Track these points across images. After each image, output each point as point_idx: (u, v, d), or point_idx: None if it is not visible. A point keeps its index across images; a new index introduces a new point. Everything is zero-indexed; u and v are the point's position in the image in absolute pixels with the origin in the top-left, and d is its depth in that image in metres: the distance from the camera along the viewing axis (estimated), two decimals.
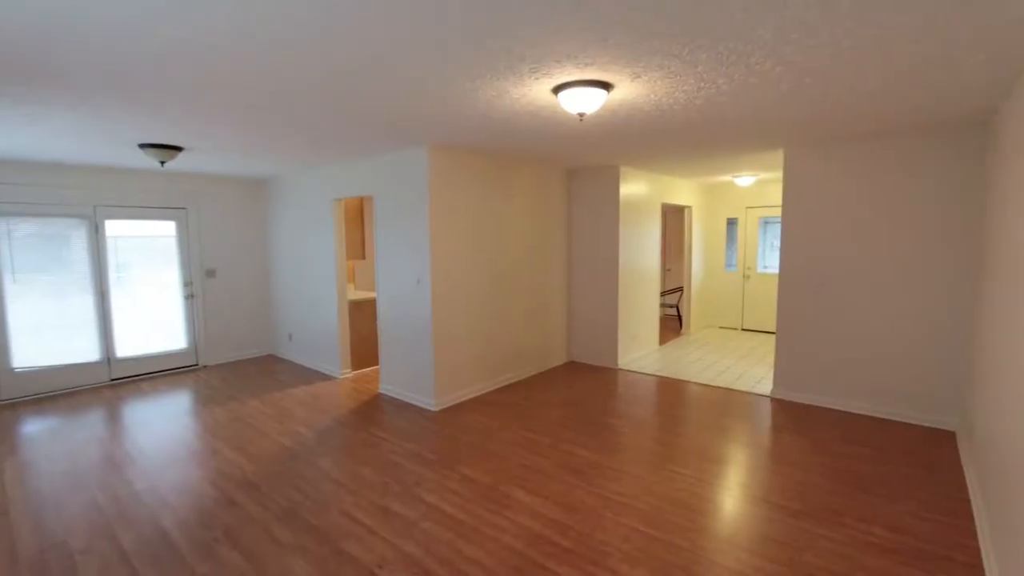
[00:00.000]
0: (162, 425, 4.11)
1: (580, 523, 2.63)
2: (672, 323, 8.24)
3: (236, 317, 6.17)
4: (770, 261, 7.63)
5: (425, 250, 4.26)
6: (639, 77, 2.45)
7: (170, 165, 4.96)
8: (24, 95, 2.55)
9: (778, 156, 4.81)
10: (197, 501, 2.92)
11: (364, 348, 5.63)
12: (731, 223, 7.83)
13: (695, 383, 5.05)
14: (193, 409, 4.48)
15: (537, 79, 2.45)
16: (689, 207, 7.25)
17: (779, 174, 6.14)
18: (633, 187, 5.71)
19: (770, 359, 5.92)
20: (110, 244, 5.18)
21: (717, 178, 6.68)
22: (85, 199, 4.97)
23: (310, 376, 5.49)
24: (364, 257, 5.84)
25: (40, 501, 2.95)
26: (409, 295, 4.47)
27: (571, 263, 5.92)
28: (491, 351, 4.90)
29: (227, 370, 5.78)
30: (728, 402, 4.48)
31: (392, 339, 4.70)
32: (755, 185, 7.36)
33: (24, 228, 4.70)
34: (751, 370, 5.48)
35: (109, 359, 5.22)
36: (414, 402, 4.53)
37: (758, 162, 5.21)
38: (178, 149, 3.96)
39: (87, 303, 5.05)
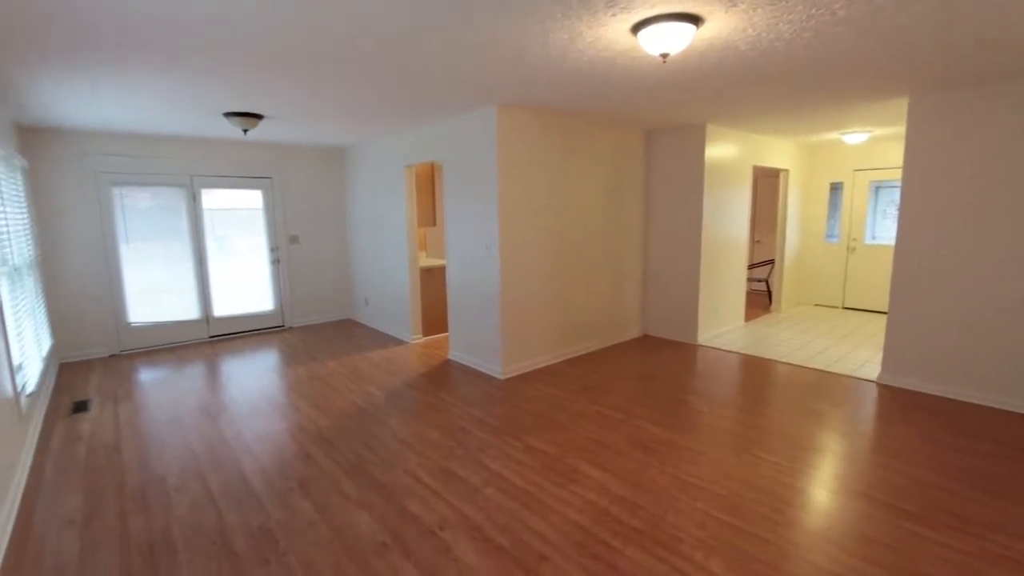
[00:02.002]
0: (251, 380, 4.40)
1: (650, 503, 2.46)
2: (760, 299, 7.60)
3: (317, 282, 6.48)
4: (881, 231, 6.75)
5: (494, 216, 4.14)
6: (735, 6, 2.11)
7: (255, 136, 5.19)
8: (114, 61, 2.69)
9: (900, 106, 4.13)
10: (276, 451, 3.08)
11: (435, 314, 5.69)
12: (835, 188, 6.99)
13: (785, 363, 4.59)
14: (278, 366, 4.77)
15: (614, 15, 2.19)
16: (785, 170, 6.54)
17: (899, 128, 5.33)
18: (720, 148, 5.20)
19: (876, 341, 5.27)
20: (206, 212, 5.57)
21: (820, 136, 5.93)
22: (183, 169, 5.35)
23: (384, 340, 5.66)
24: (435, 224, 5.86)
25: (146, 441, 3.25)
26: (478, 262, 4.40)
27: (648, 232, 5.56)
28: (560, 321, 4.75)
29: (309, 332, 6.11)
30: (824, 385, 4.02)
31: (461, 306, 4.69)
32: (867, 143, 6.48)
33: (134, 196, 5.16)
34: (853, 352, 4.90)
35: (207, 318, 5.68)
36: (481, 369, 4.50)
37: (874, 114, 4.52)
38: (259, 117, 4.09)
39: (188, 265, 5.50)
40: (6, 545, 2.25)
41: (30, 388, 3.17)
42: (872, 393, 3.85)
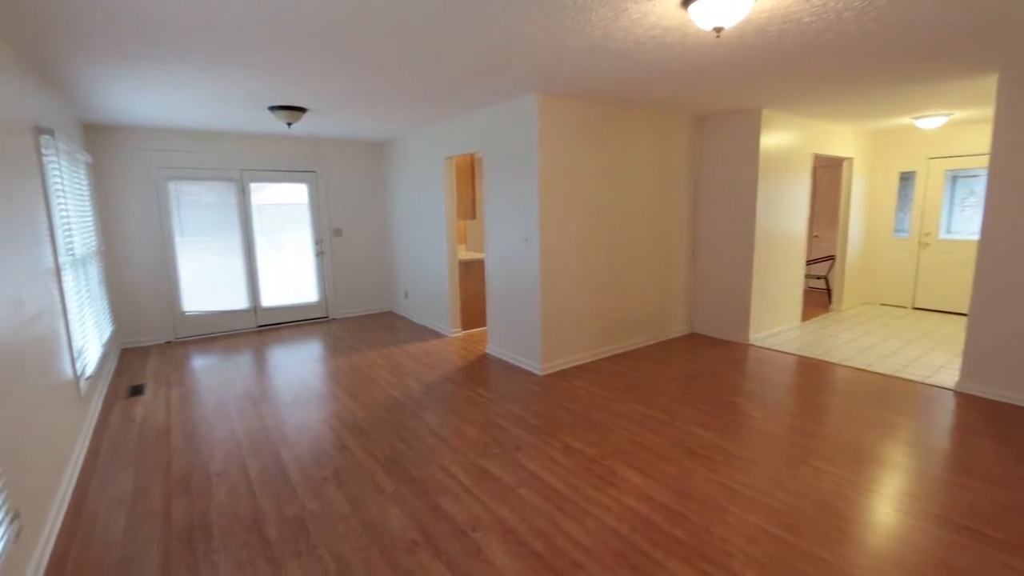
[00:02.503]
0: (294, 369, 4.49)
1: (696, 513, 2.29)
2: (819, 297, 7.13)
3: (359, 274, 6.58)
4: (958, 225, 6.16)
5: (534, 208, 4.03)
6: None
7: (300, 131, 5.29)
8: (161, 56, 2.75)
9: (987, 84, 3.71)
10: (314, 441, 3.10)
11: (474, 308, 5.65)
12: (905, 178, 6.44)
13: (846, 366, 4.25)
14: (320, 356, 4.85)
15: None
16: (849, 159, 6.07)
17: (984, 110, 4.82)
18: (777, 135, 4.86)
19: (952, 344, 4.80)
20: (254, 205, 5.74)
21: (890, 121, 5.46)
22: (233, 163, 5.52)
23: (423, 333, 5.67)
24: (475, 217, 5.80)
25: (194, 425, 3.35)
26: (517, 255, 4.30)
27: (697, 224, 5.29)
28: (603, 317, 4.58)
29: (351, 323, 6.20)
30: (892, 392, 3.68)
31: (499, 300, 4.60)
32: (944, 128, 5.92)
33: (188, 190, 5.37)
34: (925, 356, 4.48)
35: (256, 308, 5.87)
36: (520, 365, 4.41)
37: (955, 94, 4.09)
38: (302, 110, 4.14)
39: (238, 257, 5.69)
40: (62, 520, 2.35)
41: (89, 372, 3.33)
42: (948, 402, 3.49)
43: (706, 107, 4.55)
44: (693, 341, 5.13)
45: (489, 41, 2.61)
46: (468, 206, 5.69)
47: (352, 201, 6.40)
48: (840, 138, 5.76)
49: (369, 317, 6.54)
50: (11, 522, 1.77)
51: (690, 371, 4.21)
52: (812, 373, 4.12)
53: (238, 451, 2.99)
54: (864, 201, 6.46)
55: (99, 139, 4.87)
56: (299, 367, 4.54)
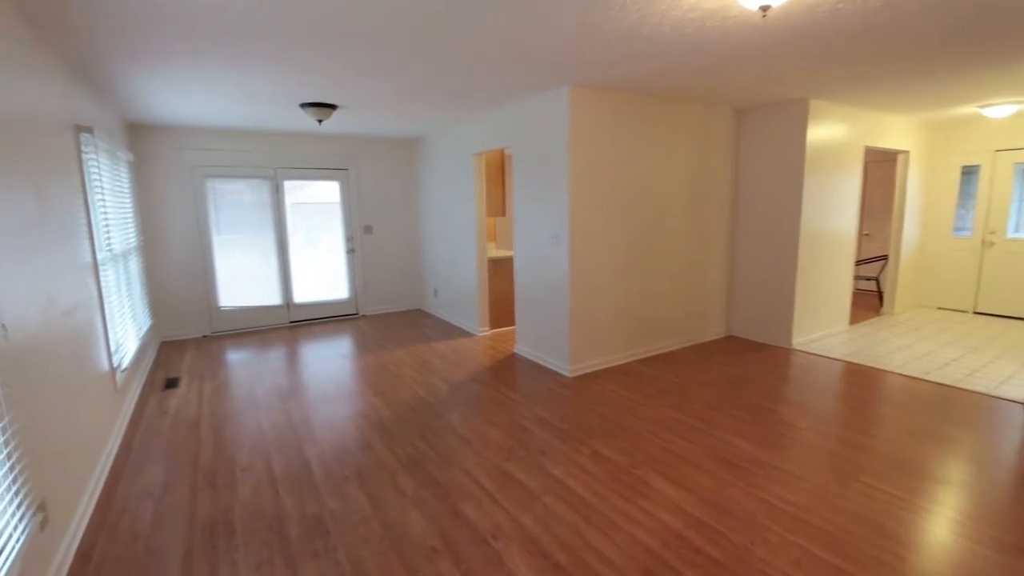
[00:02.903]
0: (322, 365, 4.51)
1: (734, 531, 2.13)
2: (869, 300, 6.72)
3: (390, 271, 6.60)
4: None
5: (564, 204, 3.90)
6: None
7: (332, 129, 5.32)
8: (189, 53, 2.77)
9: None
10: (338, 439, 3.08)
11: (502, 307, 5.56)
12: (968, 173, 5.97)
13: (899, 374, 3.95)
14: (348, 353, 4.87)
15: None
16: (904, 152, 5.68)
17: None
18: (826, 127, 4.57)
19: (1021, 353, 4.41)
20: (288, 203, 5.82)
21: (953, 110, 5.06)
22: (267, 161, 5.62)
23: (451, 331, 5.62)
24: (505, 214, 5.71)
25: (223, 419, 3.39)
26: (546, 253, 4.18)
27: (736, 222, 5.05)
28: (635, 318, 4.42)
29: (380, 320, 6.22)
30: (952, 404, 3.39)
31: (528, 299, 4.50)
32: (1014, 118, 5.45)
33: (224, 188, 5.49)
34: (990, 365, 4.12)
35: (288, 304, 5.96)
36: (548, 366, 4.30)
37: None
38: (332, 107, 4.14)
39: (271, 253, 5.78)
40: (92, 511, 2.39)
41: (125, 364, 3.41)
42: (1018, 416, 3.18)
43: (748, 98, 4.32)
44: (731, 344, 4.89)
45: (518, 29, 2.51)
46: (498, 203, 5.61)
47: (383, 199, 6.43)
48: (895, 130, 5.39)
49: (398, 315, 6.55)
50: (34, 513, 1.78)
51: (728, 376, 4.00)
52: (861, 381, 3.84)
53: (264, 446, 3.00)
54: (920, 197, 6.03)
55: (142, 138, 5.03)
56: (327, 363, 4.56)
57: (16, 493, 1.62)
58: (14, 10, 2.11)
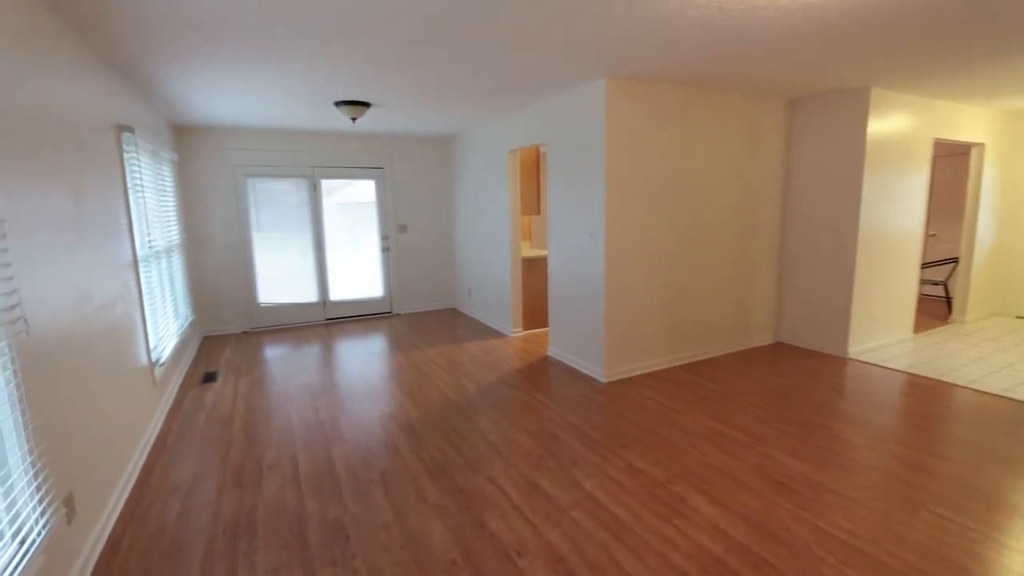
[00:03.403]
0: (354, 363, 4.51)
1: (783, 560, 1.93)
2: (936, 306, 6.20)
3: (424, 270, 6.58)
4: None
5: (600, 201, 3.74)
6: None
7: (368, 127, 5.33)
8: (218, 52, 2.77)
9: None
10: (365, 439, 3.03)
11: (536, 308, 5.43)
12: None
13: (973, 390, 3.57)
14: (380, 352, 4.85)
15: None
16: (979, 145, 5.18)
17: None
18: (889, 119, 4.21)
19: None
20: (325, 202, 5.89)
21: None
22: (305, 161, 5.70)
23: (483, 332, 5.54)
24: (539, 212, 5.58)
25: (255, 415, 3.41)
26: (581, 252, 4.03)
27: (787, 220, 4.73)
28: (675, 321, 4.20)
29: (414, 319, 6.21)
30: None
31: (562, 300, 4.35)
32: None
33: (264, 187, 5.60)
34: None
35: (324, 302, 6.03)
36: (582, 369, 4.14)
37: None
38: (366, 105, 4.12)
39: (309, 251, 5.86)
40: (124, 503, 2.42)
41: (164, 359, 3.48)
42: None
43: (802, 87, 4.02)
44: (779, 351, 4.58)
45: (553, 15, 2.38)
46: (533, 201, 5.48)
47: (417, 197, 6.42)
48: (969, 121, 4.92)
49: (432, 314, 6.53)
50: (57, 508, 1.79)
51: (776, 386, 3.73)
52: (928, 396, 3.50)
53: (291, 444, 2.98)
54: (998, 195, 5.49)
55: (186, 139, 5.19)
56: (359, 362, 4.56)
57: (37, 488, 1.62)
58: (50, 10, 2.15)
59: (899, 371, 3.99)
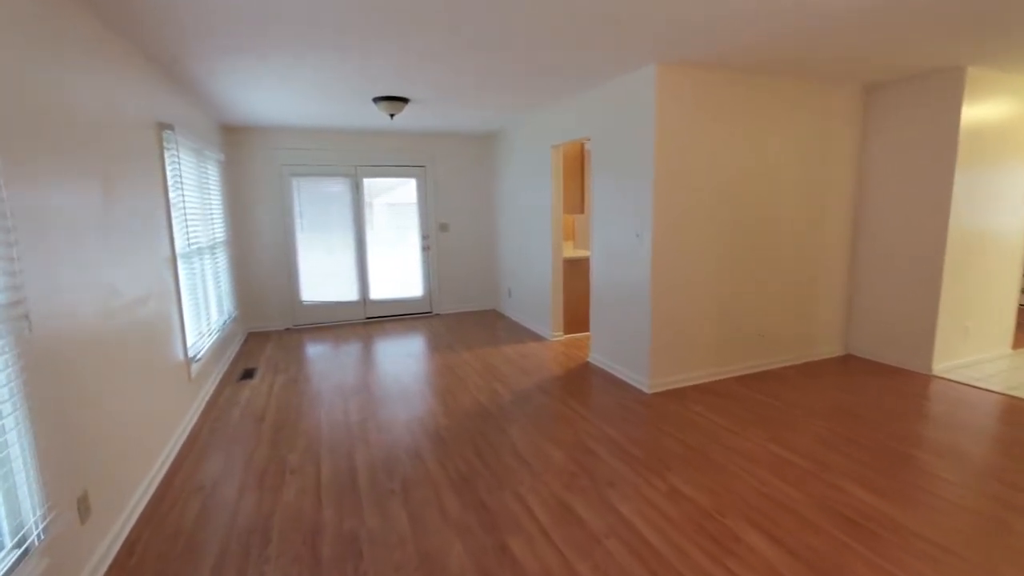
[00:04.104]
0: (389, 364, 4.43)
1: None
2: None
3: (464, 270, 6.47)
4: None
5: (647, 198, 3.46)
6: None
7: (409, 125, 5.27)
8: (250, 47, 2.72)
9: None
10: (390, 445, 2.91)
11: (578, 310, 5.18)
12: None
13: None
14: (417, 353, 4.76)
15: None
16: None
17: None
18: (988, 103, 3.67)
19: None
20: (366, 200, 5.89)
21: None
22: (348, 160, 5.71)
23: (522, 334, 5.34)
24: (583, 211, 5.33)
25: (286, 414, 3.37)
26: (626, 253, 3.75)
27: (860, 219, 4.25)
28: (729, 328, 3.84)
29: (453, 320, 6.10)
30: None
31: (605, 302, 4.09)
32: None
33: (308, 186, 5.66)
34: None
35: (364, 300, 6.03)
36: (624, 378, 3.86)
37: None
38: (404, 100, 4.03)
39: (350, 249, 5.88)
40: (146, 502, 2.39)
41: (201, 355, 3.51)
42: None
43: (881, 69, 3.57)
44: (849, 366, 4.11)
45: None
46: (576, 199, 5.24)
47: (458, 196, 6.31)
48: None
49: (472, 314, 6.40)
50: (66, 508, 1.74)
51: (845, 405, 3.31)
52: None
53: (317, 447, 2.90)
54: None
55: (235, 139, 5.31)
56: (394, 363, 4.48)
57: (40, 487, 1.57)
58: (90, 9, 2.15)
59: (996, 392, 3.46)
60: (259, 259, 5.57)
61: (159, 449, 2.66)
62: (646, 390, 3.61)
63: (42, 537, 1.55)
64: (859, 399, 3.40)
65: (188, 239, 3.44)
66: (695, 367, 3.76)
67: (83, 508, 1.83)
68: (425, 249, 6.21)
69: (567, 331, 5.17)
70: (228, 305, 4.71)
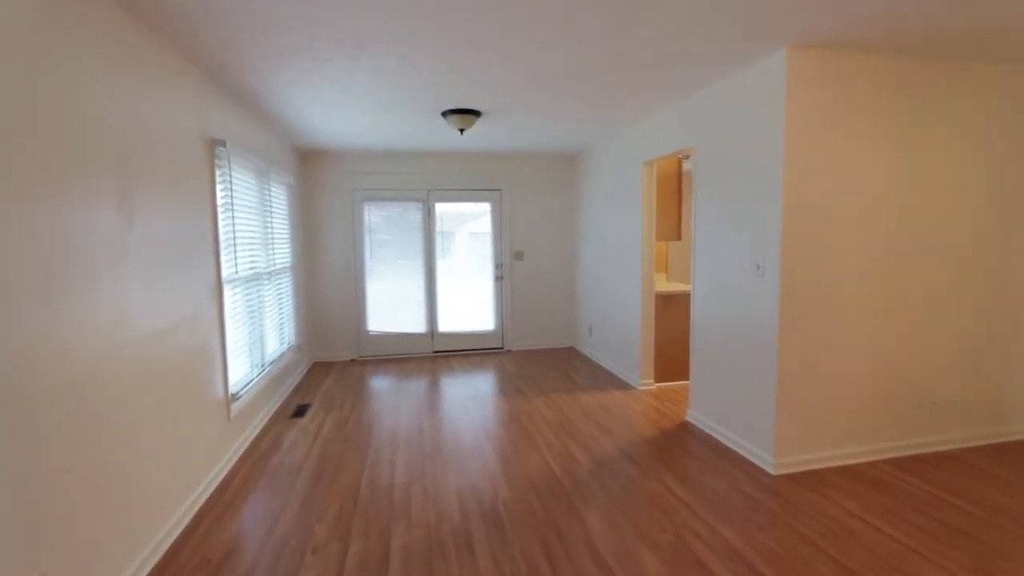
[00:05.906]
0: (449, 407, 3.91)
1: None
2: None
3: (540, 303, 5.88)
4: None
5: (774, 223, 2.69)
6: None
7: (484, 145, 4.88)
8: (303, 51, 2.39)
9: None
10: (435, 523, 2.32)
11: (673, 355, 4.37)
12: None
13: None
14: (483, 395, 4.20)
15: None
16: None
17: None
18: None
19: None
20: (438, 227, 5.55)
21: None
22: (420, 184, 5.42)
23: (604, 380, 4.60)
24: (680, 238, 4.55)
25: (325, 466, 2.92)
26: (741, 289, 2.97)
27: None
28: (886, 392, 2.88)
29: (526, 358, 5.49)
30: None
31: (710, 348, 3.29)
32: None
33: (379, 211, 5.43)
34: None
35: (432, 333, 5.62)
36: (738, 449, 3.01)
37: None
38: (476, 114, 3.61)
39: (419, 278, 5.53)
40: (154, 564, 1.99)
41: (243, 391, 3.19)
42: None
43: None
44: None
45: None
46: (671, 224, 4.50)
47: (536, 222, 5.79)
48: None
49: (547, 352, 5.76)
50: None
51: None
52: None
53: (350, 515, 2.39)
54: None
55: (308, 163, 5.23)
56: (454, 406, 3.94)
57: None
58: (126, 11, 1.90)
59: None
60: (327, 286, 5.38)
61: (174, 507, 2.28)
62: (770, 470, 2.75)
63: None
64: None
65: (237, 264, 3.17)
66: (838, 443, 2.83)
67: None
68: (498, 279, 5.72)
69: (658, 379, 4.36)
70: (289, 334, 4.47)
